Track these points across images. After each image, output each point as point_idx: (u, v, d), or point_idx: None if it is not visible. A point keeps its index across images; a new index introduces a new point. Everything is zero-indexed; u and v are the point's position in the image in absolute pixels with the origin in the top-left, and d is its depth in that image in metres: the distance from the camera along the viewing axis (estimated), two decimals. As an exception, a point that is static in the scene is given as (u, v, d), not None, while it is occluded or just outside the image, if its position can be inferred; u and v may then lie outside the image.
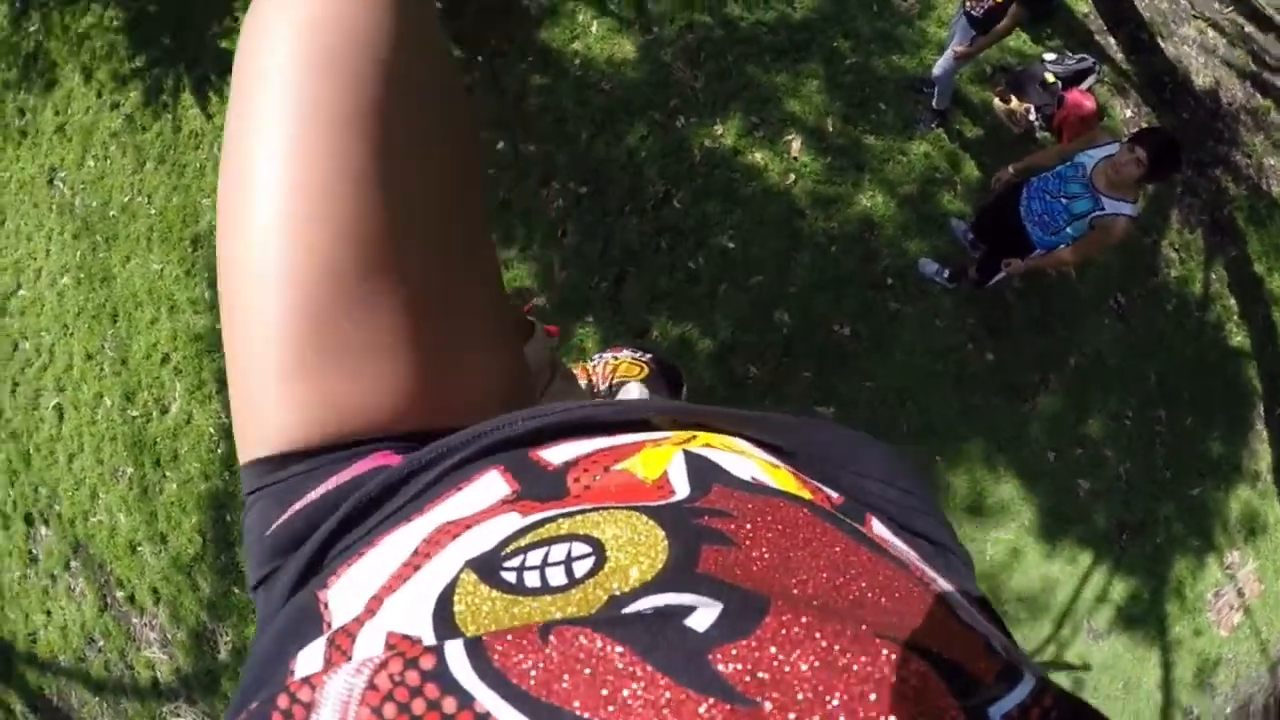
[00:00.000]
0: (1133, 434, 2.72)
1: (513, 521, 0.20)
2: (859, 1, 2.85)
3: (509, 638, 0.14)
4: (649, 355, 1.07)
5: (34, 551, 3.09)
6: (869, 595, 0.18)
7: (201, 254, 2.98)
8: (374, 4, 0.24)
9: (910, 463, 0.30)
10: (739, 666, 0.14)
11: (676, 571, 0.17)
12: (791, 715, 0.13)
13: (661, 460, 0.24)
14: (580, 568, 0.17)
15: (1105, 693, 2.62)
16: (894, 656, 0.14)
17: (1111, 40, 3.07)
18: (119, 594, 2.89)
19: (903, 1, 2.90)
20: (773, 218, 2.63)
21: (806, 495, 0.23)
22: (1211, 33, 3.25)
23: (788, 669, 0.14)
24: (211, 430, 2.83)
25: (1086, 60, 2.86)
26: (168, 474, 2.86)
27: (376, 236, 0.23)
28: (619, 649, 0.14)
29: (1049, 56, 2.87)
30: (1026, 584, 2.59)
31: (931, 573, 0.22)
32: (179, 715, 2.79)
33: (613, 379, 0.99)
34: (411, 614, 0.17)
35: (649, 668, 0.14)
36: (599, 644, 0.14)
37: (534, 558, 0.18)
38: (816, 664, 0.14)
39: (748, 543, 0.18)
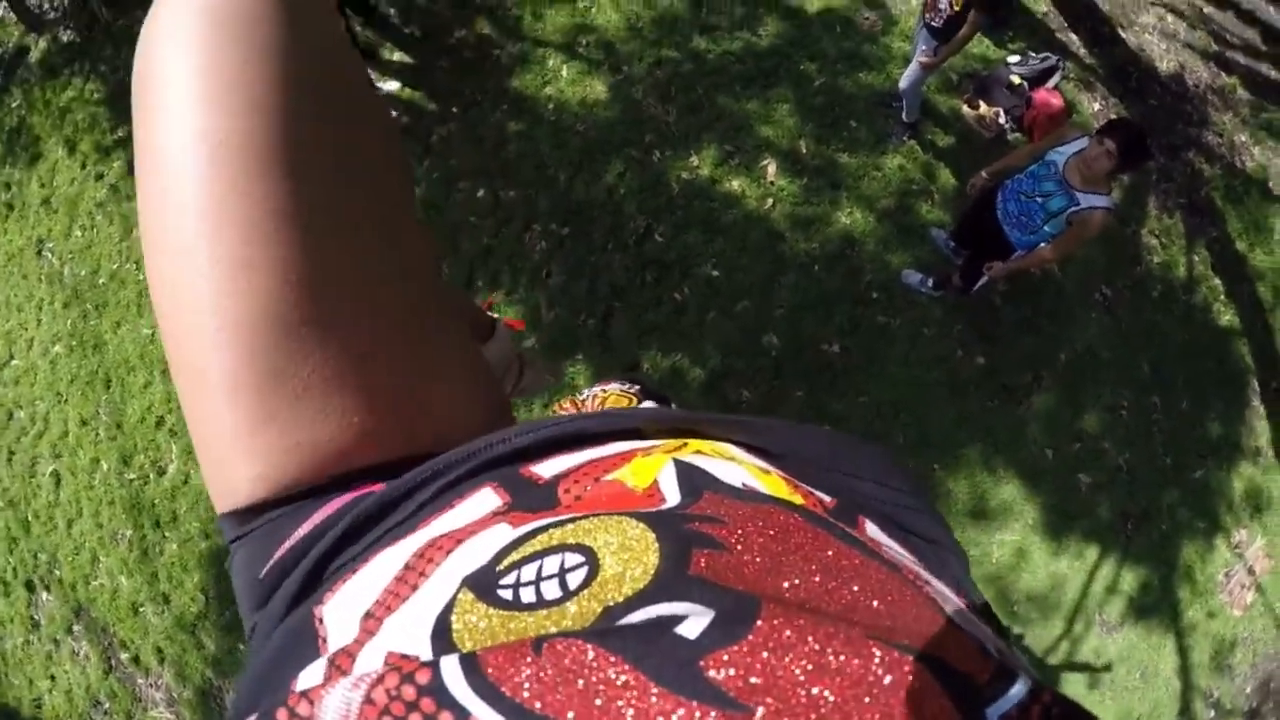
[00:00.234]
0: (1130, 424, 2.74)
1: (504, 534, 0.20)
2: (822, 23, 2.89)
3: (503, 652, 0.14)
4: (637, 386, 1.08)
5: (36, 617, 3.09)
6: (862, 598, 0.17)
7: (195, 319, 3.00)
8: (267, 11, 0.23)
9: (900, 461, 0.30)
10: (732, 672, 0.14)
11: (669, 576, 0.17)
12: None
13: (652, 469, 0.24)
14: (574, 579, 0.17)
15: (1123, 684, 2.62)
16: (887, 659, 0.14)
17: (1073, 36, 3.11)
18: (123, 655, 2.89)
19: (865, 20, 2.94)
20: (754, 243, 2.66)
21: (798, 500, 0.23)
22: (1170, 18, 3.29)
23: (780, 673, 0.14)
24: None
25: (1050, 59, 2.90)
26: (167, 534, 2.86)
27: (310, 273, 0.22)
28: (612, 659, 0.14)
29: (1013, 59, 2.90)
30: (1035, 583, 2.60)
31: (926, 574, 0.22)
32: (194, 776, 2.80)
33: (602, 410, 1.01)
34: (411, 634, 0.17)
35: (641, 676, 0.14)
36: (591, 655, 0.14)
37: (528, 572, 0.18)
38: (810, 667, 0.14)
39: (739, 547, 0.18)
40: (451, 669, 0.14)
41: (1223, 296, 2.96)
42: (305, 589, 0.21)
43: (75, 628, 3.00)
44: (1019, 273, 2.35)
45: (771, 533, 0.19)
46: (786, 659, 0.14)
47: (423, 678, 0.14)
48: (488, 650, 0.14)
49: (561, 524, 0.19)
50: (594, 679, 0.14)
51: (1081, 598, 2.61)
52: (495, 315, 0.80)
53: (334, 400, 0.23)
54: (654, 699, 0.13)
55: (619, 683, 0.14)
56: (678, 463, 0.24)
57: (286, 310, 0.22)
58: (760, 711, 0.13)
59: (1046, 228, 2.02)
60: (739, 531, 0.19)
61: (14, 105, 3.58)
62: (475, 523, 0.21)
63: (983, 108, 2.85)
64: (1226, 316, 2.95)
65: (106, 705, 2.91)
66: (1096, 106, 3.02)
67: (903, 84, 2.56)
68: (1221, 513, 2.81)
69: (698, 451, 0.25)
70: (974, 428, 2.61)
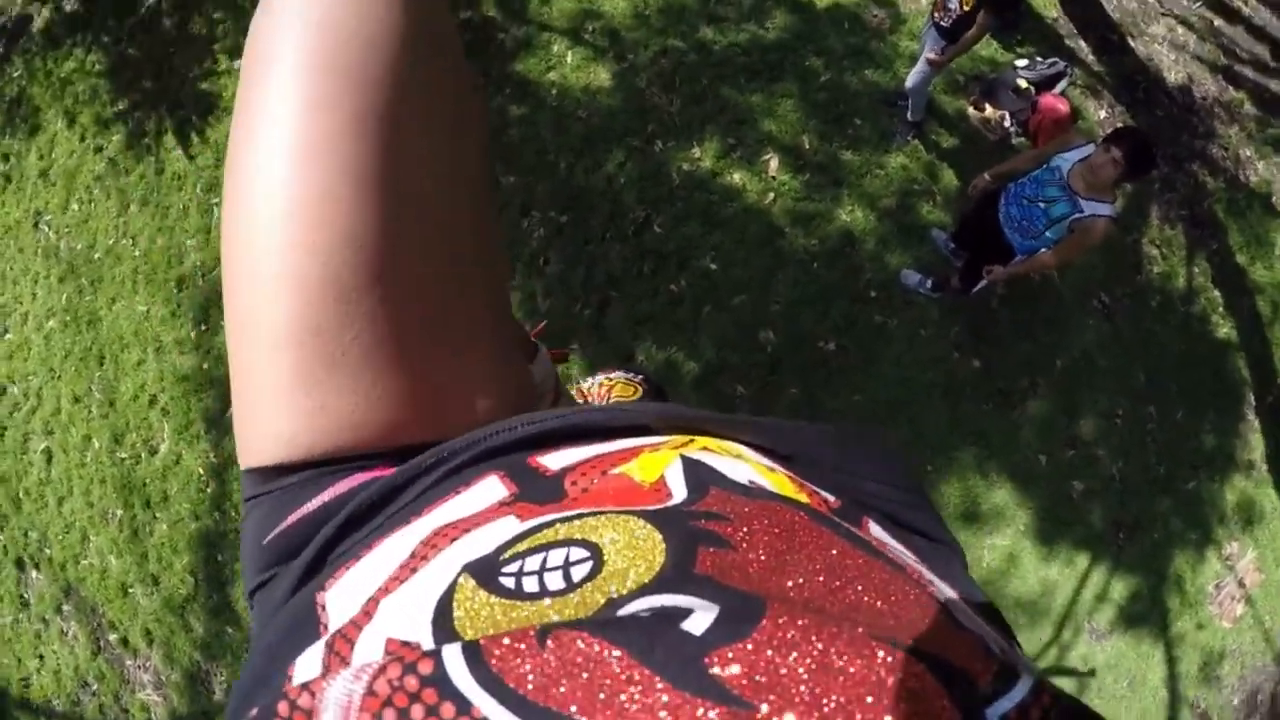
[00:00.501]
0: (1124, 432, 2.73)
1: (510, 525, 0.20)
2: (830, 19, 2.88)
3: (506, 642, 0.14)
4: (641, 376, 1.09)
5: (25, 596, 3.08)
6: (865, 598, 0.18)
7: (187, 294, 2.99)
8: (385, 3, 0.23)
9: (902, 455, 0.30)
10: (736, 670, 0.14)
11: (674, 573, 0.17)
12: (789, 718, 0.13)
13: (659, 464, 0.24)
14: (578, 572, 0.17)
15: (1110, 692, 2.62)
16: (890, 659, 0.14)
17: (1082, 43, 3.10)
18: (112, 637, 2.88)
19: (873, 17, 2.93)
20: (753, 237, 2.65)
21: (803, 499, 0.23)
22: (1181, 29, 3.28)
23: (784, 672, 0.14)
24: (200, 470, 2.83)
25: (1058, 64, 2.89)
26: (158, 515, 2.85)
27: (379, 243, 0.23)
28: (616, 652, 0.14)
29: (1020, 63, 2.89)
30: (1025, 589, 2.59)
31: (929, 574, 0.22)
32: (179, 759, 2.78)
33: (609, 399, 1.00)
34: (410, 619, 0.17)
35: (646, 671, 0.14)
36: (596, 647, 0.14)
37: (532, 563, 0.18)
38: (813, 667, 0.14)
39: (744, 546, 0.18)
40: (454, 659, 0.14)
41: (1221, 309, 2.96)
42: (308, 575, 0.22)
43: (64, 607, 2.99)
44: (1018, 277, 2.34)
45: (777, 531, 0.19)
46: (790, 658, 0.14)
47: (425, 668, 0.14)
48: (491, 640, 0.14)
49: (568, 520, 0.19)
50: (598, 672, 0.14)
51: (1071, 604, 2.61)
52: (538, 343, 0.79)
53: (367, 373, 0.23)
54: (658, 694, 0.13)
55: (623, 677, 0.14)
56: (685, 459, 0.24)
57: (346, 274, 0.22)
58: (764, 709, 0.13)
59: (1048, 233, 2.01)
60: (744, 529, 0.19)
61: (15, 75, 3.56)
62: (482, 513, 0.21)
63: (988, 110, 2.84)
64: (1224, 329, 2.95)
65: (95, 686, 2.91)
66: (1103, 114, 3.01)
67: (909, 83, 2.55)
68: (1213, 525, 2.80)
69: (705, 448, 0.25)
70: (968, 430, 2.60)
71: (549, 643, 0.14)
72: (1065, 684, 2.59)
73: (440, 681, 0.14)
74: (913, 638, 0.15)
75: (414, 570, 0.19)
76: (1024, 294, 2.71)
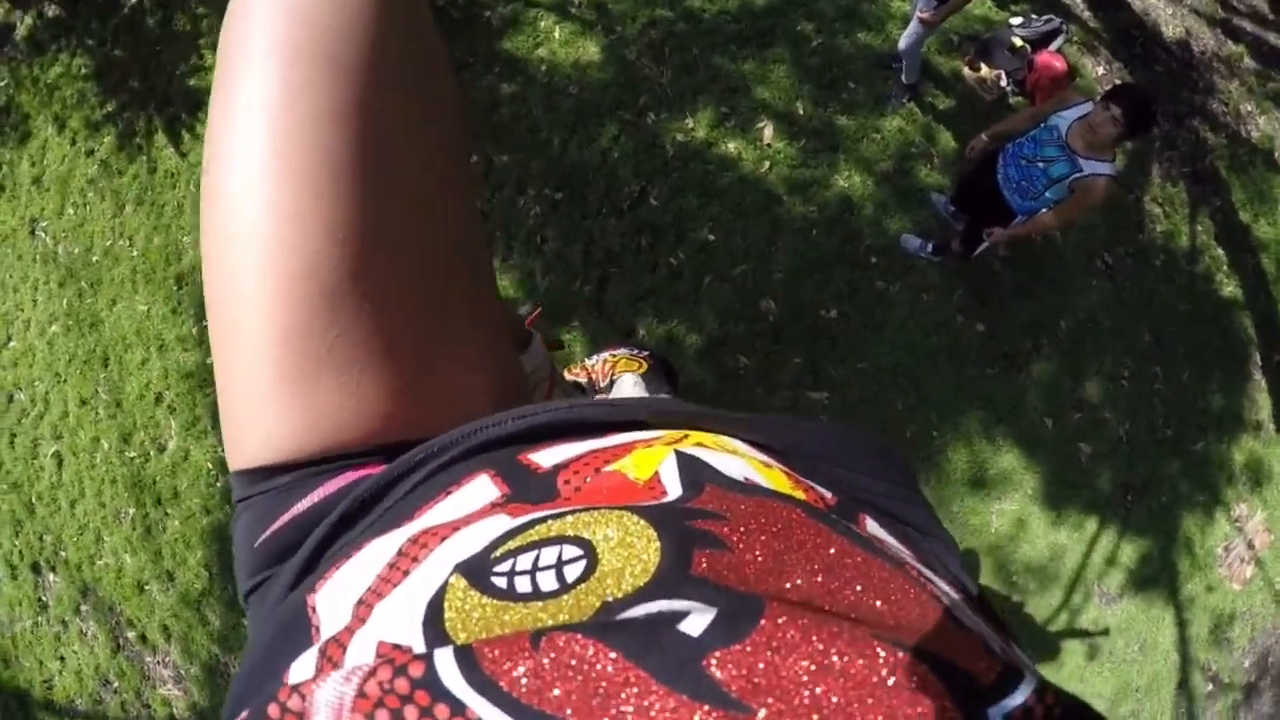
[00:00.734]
0: (1130, 394, 2.71)
1: (502, 524, 0.19)
2: (820, -18, 2.84)
3: (500, 644, 0.14)
4: (646, 352, 1.09)
5: (44, 599, 3.11)
6: (865, 597, 0.17)
7: (186, 291, 2.99)
8: None
9: (897, 451, 0.30)
10: (734, 672, 0.13)
11: (669, 575, 0.17)
12: None
13: (653, 461, 0.23)
14: (572, 571, 0.17)
15: (1121, 656, 2.61)
16: (891, 659, 0.14)
17: None
18: (130, 634, 2.91)
19: (863, -21, 2.89)
20: (751, 206, 2.63)
21: (800, 495, 0.23)
22: (1178, -17, 3.23)
23: (784, 673, 0.14)
24: (209, 465, 2.84)
25: (1053, 21, 2.85)
26: (169, 511, 2.87)
27: (360, 235, 0.22)
28: (612, 655, 0.14)
29: (1015, 20, 2.85)
30: (1034, 553, 2.58)
31: (928, 572, 0.22)
32: (200, 751, 2.81)
33: (612, 374, 1.00)
34: (402, 622, 0.17)
35: (642, 674, 0.13)
36: (591, 651, 0.14)
37: (524, 561, 0.17)
38: (813, 667, 0.14)
39: (741, 545, 0.18)
40: (446, 662, 0.14)
41: (1225, 267, 2.93)
42: (303, 573, 0.21)
43: (83, 608, 3.02)
44: (1019, 239, 2.32)
45: (774, 529, 0.19)
46: (790, 659, 0.14)
47: (416, 671, 0.14)
48: (483, 643, 0.14)
49: (560, 516, 0.19)
50: (593, 675, 0.13)
51: (1080, 569, 2.60)
52: (533, 331, 0.78)
53: (353, 370, 0.23)
54: (654, 697, 0.13)
55: (619, 679, 0.13)
56: (679, 454, 0.24)
57: (328, 269, 0.22)
58: (763, 712, 0.13)
59: (1048, 194, 1.98)
60: (741, 529, 0.19)
61: (2, 84, 3.55)
62: (473, 514, 0.21)
63: (984, 70, 2.80)
64: (1229, 287, 2.92)
65: (116, 684, 2.94)
66: (1100, 71, 2.97)
67: (902, 44, 2.51)
68: (1222, 486, 2.79)
69: (699, 444, 0.25)
70: (973, 395, 2.58)
71: (543, 645, 0.14)
72: (1079, 651, 2.59)
73: (433, 684, 0.13)
74: (914, 638, 0.15)
75: (405, 572, 0.18)
76: (1026, 256, 2.68)
